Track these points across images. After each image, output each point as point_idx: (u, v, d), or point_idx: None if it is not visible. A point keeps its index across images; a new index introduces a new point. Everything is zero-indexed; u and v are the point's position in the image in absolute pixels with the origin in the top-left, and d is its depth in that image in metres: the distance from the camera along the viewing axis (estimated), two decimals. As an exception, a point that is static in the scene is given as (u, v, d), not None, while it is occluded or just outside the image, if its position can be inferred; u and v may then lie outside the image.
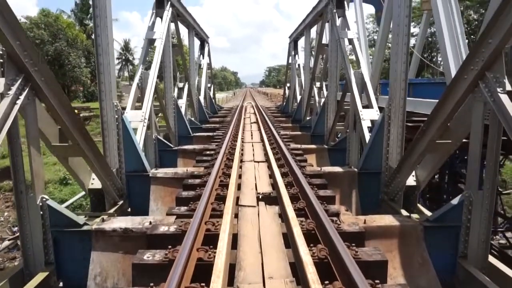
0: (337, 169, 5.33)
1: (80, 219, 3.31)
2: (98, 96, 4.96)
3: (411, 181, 4.67)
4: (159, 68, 7.36)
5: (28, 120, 3.08)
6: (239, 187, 4.21)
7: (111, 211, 4.67)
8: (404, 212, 4.51)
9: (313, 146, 7.60)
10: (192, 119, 11.41)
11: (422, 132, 3.96)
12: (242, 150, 6.42)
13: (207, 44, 15.62)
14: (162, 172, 5.19)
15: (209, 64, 16.49)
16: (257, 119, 11.56)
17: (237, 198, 3.81)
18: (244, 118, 12.13)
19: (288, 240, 2.84)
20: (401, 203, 4.70)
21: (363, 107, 6.41)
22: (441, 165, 4.66)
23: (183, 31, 11.35)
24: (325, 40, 10.64)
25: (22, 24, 33.60)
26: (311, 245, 2.53)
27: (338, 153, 7.55)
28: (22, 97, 2.89)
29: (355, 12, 13.32)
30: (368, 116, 6.23)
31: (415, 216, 3.72)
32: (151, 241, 2.94)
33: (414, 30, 41.58)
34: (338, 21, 7.88)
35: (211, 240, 2.77)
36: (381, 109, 6.34)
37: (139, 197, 5.25)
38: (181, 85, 10.93)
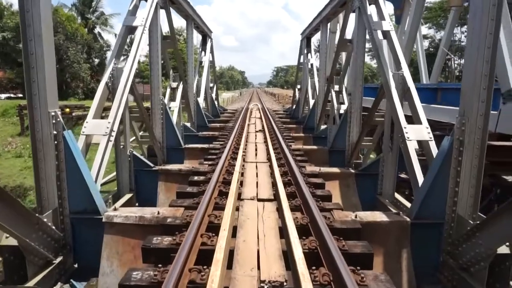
0: (380, 216, 3.59)
1: None
2: (27, 102, 3.33)
3: (502, 247, 2.99)
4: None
5: None
6: (230, 260, 2.56)
7: (37, 279, 3.07)
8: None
9: (336, 169, 5.87)
10: (188, 125, 9.75)
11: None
12: (242, 175, 4.77)
13: (209, 40, 13.86)
14: (121, 215, 3.52)
15: (212, 62, 14.75)
16: (263, 126, 9.88)
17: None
18: (248, 125, 10.45)
19: None
20: (485, 280, 3.03)
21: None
22: None
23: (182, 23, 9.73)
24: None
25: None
26: None
27: (365, 179, 5.86)
28: None
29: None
30: (415, 135, 4.53)
31: None
32: None
33: (429, 32, 39.75)
34: (369, 9, 6.22)
35: None
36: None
37: (90, 248, 3.60)
38: (174, 85, 9.25)
